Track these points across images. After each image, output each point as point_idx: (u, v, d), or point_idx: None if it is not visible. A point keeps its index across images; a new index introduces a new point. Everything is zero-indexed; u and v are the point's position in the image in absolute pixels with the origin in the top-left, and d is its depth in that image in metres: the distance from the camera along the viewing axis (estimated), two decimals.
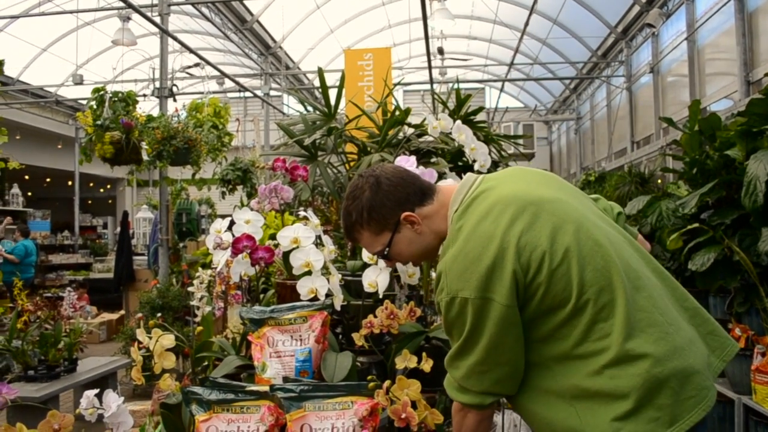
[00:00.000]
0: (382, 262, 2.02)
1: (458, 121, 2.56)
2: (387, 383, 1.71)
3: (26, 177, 16.08)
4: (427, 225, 1.78)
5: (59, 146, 16.55)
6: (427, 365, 1.90)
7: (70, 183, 18.03)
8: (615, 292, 1.56)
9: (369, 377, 1.69)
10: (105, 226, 20.77)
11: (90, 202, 22.51)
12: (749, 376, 3.30)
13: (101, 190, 22.04)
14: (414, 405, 1.72)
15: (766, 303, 3.10)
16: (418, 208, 1.78)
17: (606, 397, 1.53)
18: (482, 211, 1.65)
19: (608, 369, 1.53)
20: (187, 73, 12.42)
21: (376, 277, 2.01)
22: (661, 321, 1.59)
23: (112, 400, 1.78)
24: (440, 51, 14.68)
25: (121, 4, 7.59)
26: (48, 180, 19.61)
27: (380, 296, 2.01)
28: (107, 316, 10.74)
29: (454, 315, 1.61)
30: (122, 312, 10.68)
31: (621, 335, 1.53)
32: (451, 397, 1.70)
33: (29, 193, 17.10)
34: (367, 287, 2.01)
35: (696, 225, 3.57)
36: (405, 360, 1.92)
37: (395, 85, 3.58)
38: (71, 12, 10.61)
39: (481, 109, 3.03)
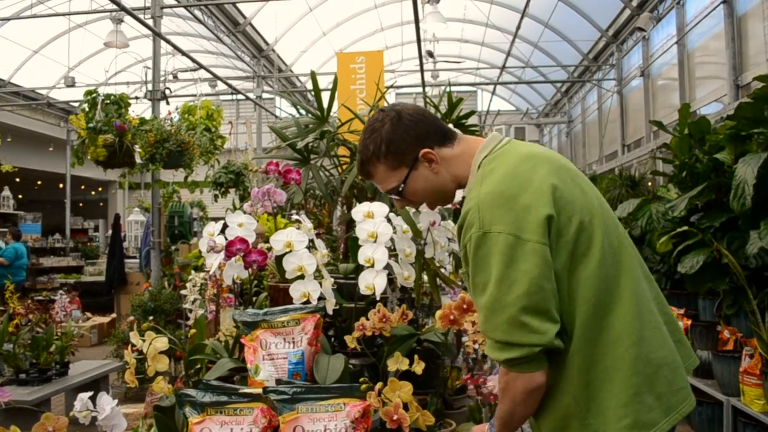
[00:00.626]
0: (378, 264, 2.00)
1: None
2: (379, 385, 1.72)
3: (17, 179, 16.03)
4: (445, 167, 1.75)
5: (50, 149, 16.53)
6: (418, 367, 1.91)
7: (61, 185, 17.99)
8: (622, 273, 1.60)
9: (361, 379, 1.71)
10: (96, 229, 20.70)
11: (81, 204, 22.45)
12: (737, 378, 3.33)
13: (93, 193, 21.98)
14: (405, 407, 1.73)
15: (755, 305, 3.13)
16: (438, 148, 1.74)
17: (609, 383, 1.54)
18: (519, 157, 1.65)
19: (612, 351, 1.55)
20: (174, 76, 12.40)
21: (373, 279, 1.99)
22: (655, 312, 1.65)
23: (106, 402, 1.79)
24: (430, 54, 14.71)
25: (114, 7, 7.58)
26: (39, 182, 19.55)
27: (377, 298, 2.00)
28: (99, 320, 10.69)
29: (484, 252, 1.53)
30: (113, 315, 10.63)
31: (627, 315, 1.56)
32: (496, 359, 1.57)
33: (20, 196, 17.05)
34: (364, 290, 2.00)
35: (685, 228, 3.61)
36: (397, 362, 1.92)
37: (387, 88, 3.60)
38: (63, 14, 10.60)
39: (472, 112, 3.05)
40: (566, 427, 1.58)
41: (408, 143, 1.73)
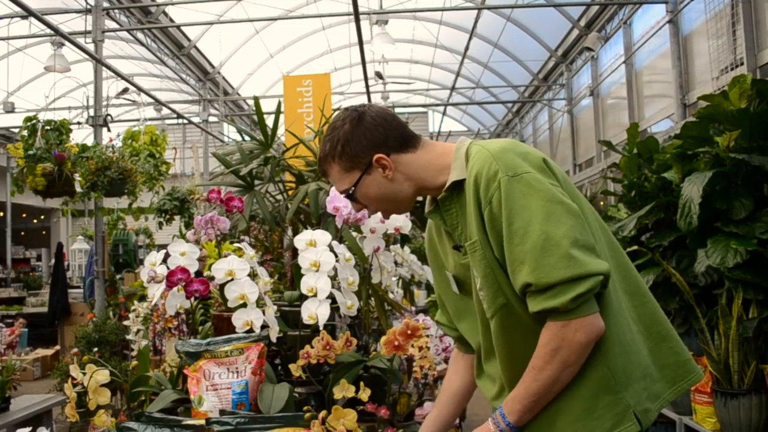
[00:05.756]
0: (321, 293, 1.98)
1: None
2: (323, 413, 1.69)
3: None
4: (403, 172, 1.69)
5: None
6: (364, 394, 1.90)
7: (1, 214, 17.45)
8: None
9: (306, 408, 1.68)
10: (39, 258, 20.23)
11: (23, 233, 21.82)
12: (689, 397, 3.34)
13: (34, 221, 21.43)
14: None
15: (703, 324, 3.15)
16: (395, 154, 1.68)
17: (638, 352, 1.56)
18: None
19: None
20: (122, 97, 12.16)
21: (315, 309, 1.97)
22: None
23: None
24: (379, 75, 14.75)
25: (52, 32, 7.42)
26: None
27: (320, 328, 1.96)
28: (42, 352, 10.38)
29: (519, 193, 1.46)
30: (57, 347, 10.34)
31: (637, 277, 1.63)
32: (559, 304, 1.40)
33: None
34: (307, 319, 1.98)
35: (635, 247, 3.61)
36: (343, 389, 1.92)
37: (334, 111, 3.56)
38: (2, 39, 10.35)
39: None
40: (594, 408, 1.47)
41: (363, 146, 1.67)
